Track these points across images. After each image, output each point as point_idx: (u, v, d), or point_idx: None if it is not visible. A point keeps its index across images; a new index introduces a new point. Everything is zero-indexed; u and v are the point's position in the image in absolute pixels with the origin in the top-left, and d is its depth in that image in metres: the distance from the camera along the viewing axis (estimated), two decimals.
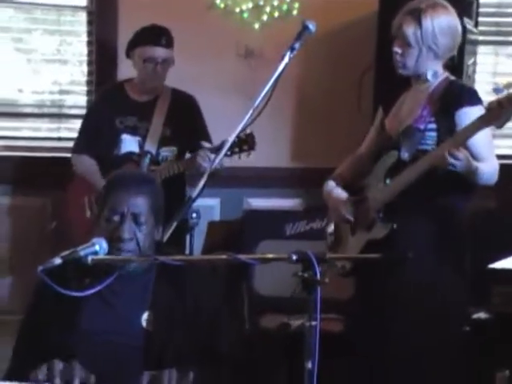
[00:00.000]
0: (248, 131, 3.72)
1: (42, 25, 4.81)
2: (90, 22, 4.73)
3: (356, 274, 3.14)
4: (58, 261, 2.23)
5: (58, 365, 2.26)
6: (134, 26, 4.13)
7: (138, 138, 4.09)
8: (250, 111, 3.05)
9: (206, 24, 4.63)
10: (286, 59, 3.02)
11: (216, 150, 3.76)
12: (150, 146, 4.08)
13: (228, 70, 4.68)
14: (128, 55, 4.13)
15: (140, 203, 2.49)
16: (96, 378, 2.24)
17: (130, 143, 4.09)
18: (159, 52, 4.00)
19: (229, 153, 3.72)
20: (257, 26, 4.65)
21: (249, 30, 4.66)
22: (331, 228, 3.23)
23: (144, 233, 2.49)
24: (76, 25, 4.80)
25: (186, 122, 4.13)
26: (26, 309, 2.58)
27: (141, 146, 4.09)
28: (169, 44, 4.02)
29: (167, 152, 4.10)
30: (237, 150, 3.74)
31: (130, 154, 4.09)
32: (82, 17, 4.76)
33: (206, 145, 3.91)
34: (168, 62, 4.03)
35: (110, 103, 4.16)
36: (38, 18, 4.79)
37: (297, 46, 3.02)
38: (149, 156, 4.04)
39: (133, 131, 4.09)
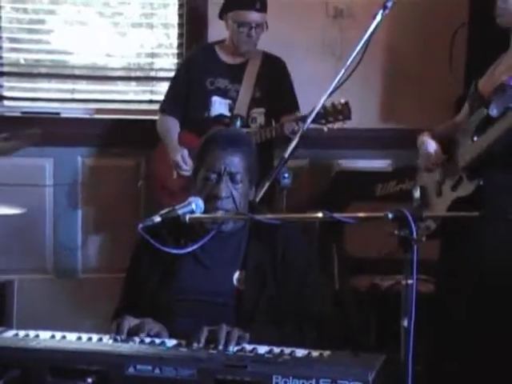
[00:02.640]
0: (343, 100, 3.71)
1: None
2: None
3: (440, 236, 3.11)
4: (157, 219, 2.27)
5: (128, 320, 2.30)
6: None
7: (228, 101, 4.12)
8: (341, 72, 3.03)
9: None
10: (378, 18, 2.99)
11: (306, 119, 3.77)
12: (241, 108, 4.11)
13: (317, 31, 4.65)
14: (221, 17, 4.14)
15: (236, 162, 2.51)
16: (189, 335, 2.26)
17: (220, 106, 4.12)
18: (254, 16, 4.00)
19: (323, 121, 3.73)
20: None
21: None
22: (417, 193, 3.19)
23: (240, 191, 2.51)
24: None
25: (275, 84, 4.15)
26: (128, 265, 2.64)
27: (231, 109, 4.11)
28: (263, 8, 4.02)
29: (256, 114, 4.12)
30: (331, 119, 3.74)
31: (221, 116, 4.12)
32: None
33: (297, 114, 3.93)
34: (261, 27, 4.04)
35: (200, 65, 4.18)
36: None
37: (389, 4, 2.99)
38: (239, 119, 4.08)
39: (223, 93, 4.12)
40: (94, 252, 4.69)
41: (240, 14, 4.01)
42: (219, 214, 2.46)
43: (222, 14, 4.12)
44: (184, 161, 4.03)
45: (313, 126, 3.26)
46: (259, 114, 4.13)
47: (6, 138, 3.69)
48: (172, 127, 4.17)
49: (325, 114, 3.74)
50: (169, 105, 4.23)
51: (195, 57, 4.28)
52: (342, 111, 3.75)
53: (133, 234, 2.47)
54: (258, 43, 4.13)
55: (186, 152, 4.03)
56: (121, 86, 4.92)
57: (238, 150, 2.53)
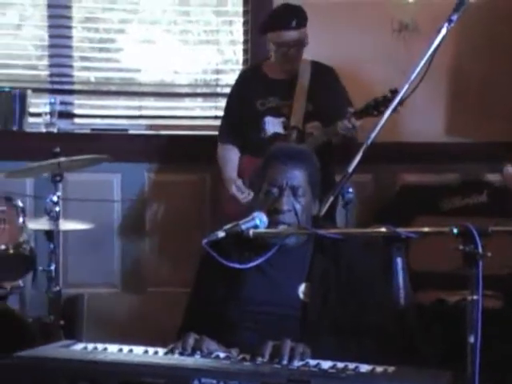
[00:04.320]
0: (393, 88, 3.64)
1: (197, 7, 4.93)
2: (246, 2, 4.79)
3: None
4: (221, 234, 2.31)
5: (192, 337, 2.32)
6: None
7: (281, 119, 4.09)
8: (406, 86, 3.03)
9: None
10: (443, 32, 2.98)
11: (359, 113, 3.75)
12: (295, 124, 4.07)
13: (382, 45, 4.65)
14: (262, 37, 4.14)
15: (298, 176, 2.52)
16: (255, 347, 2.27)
17: (274, 125, 4.09)
18: (291, 35, 3.95)
19: (375, 113, 3.68)
20: None
21: (403, 4, 4.62)
22: None
23: (302, 205, 2.52)
24: (231, 5, 4.88)
25: (327, 95, 4.07)
26: (193, 280, 2.67)
27: (285, 126, 4.08)
28: (300, 24, 3.96)
29: (311, 128, 4.07)
30: (383, 109, 3.67)
31: (276, 134, 4.09)
32: None
33: (350, 110, 3.84)
34: (301, 43, 3.99)
35: (249, 87, 4.18)
36: (192, 0, 4.91)
37: (454, 18, 2.98)
38: (295, 131, 4.04)
39: (276, 112, 4.09)
40: (160, 266, 4.73)
41: (277, 35, 3.97)
42: (282, 228, 2.47)
43: (262, 35, 4.11)
44: (240, 191, 4.06)
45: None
46: (315, 129, 4.06)
47: (76, 154, 3.78)
48: (229, 158, 4.18)
49: (376, 105, 3.69)
50: (225, 133, 4.24)
51: (243, 79, 4.28)
52: (392, 99, 3.67)
53: (198, 249, 2.49)
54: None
55: (240, 182, 4.06)
56: (187, 102, 4.99)
57: (299, 163, 2.54)
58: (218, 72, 4.93)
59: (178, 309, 2.74)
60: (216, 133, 4.36)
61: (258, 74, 4.18)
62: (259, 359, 2.17)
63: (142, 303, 4.63)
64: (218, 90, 4.90)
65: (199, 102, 5.02)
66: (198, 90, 4.98)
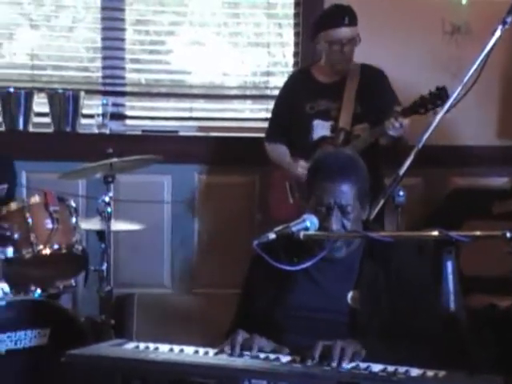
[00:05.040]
0: (440, 85, 3.61)
1: (247, 9, 4.95)
2: (297, 4, 4.80)
3: None
4: (271, 235, 2.30)
5: (240, 335, 2.33)
6: None
7: (330, 123, 4.08)
8: (458, 89, 3.00)
9: (413, 1, 4.60)
10: (498, 34, 2.94)
11: (406, 111, 3.73)
12: (343, 126, 4.05)
13: (433, 47, 4.61)
14: (312, 39, 4.12)
15: (346, 192, 2.48)
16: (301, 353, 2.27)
17: (322, 129, 4.09)
18: (344, 32, 3.96)
19: (423, 111, 3.65)
20: (464, 1, 4.55)
21: (455, 6, 4.58)
22: None
23: (351, 221, 2.49)
24: (281, 7, 4.89)
25: (376, 97, 4.05)
26: (243, 281, 2.68)
27: (333, 129, 4.07)
28: (352, 22, 3.97)
29: (359, 130, 4.05)
30: (430, 106, 3.64)
31: (324, 137, 4.08)
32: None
33: (397, 108, 3.83)
34: (354, 41, 3.99)
35: (298, 90, 4.18)
36: (242, 3, 4.93)
37: (509, 19, 2.94)
38: (343, 133, 4.03)
39: (325, 116, 4.09)
40: (210, 267, 4.76)
41: (330, 33, 3.97)
42: (331, 245, 2.43)
43: (313, 37, 4.09)
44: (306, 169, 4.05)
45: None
46: (362, 130, 4.04)
47: (127, 155, 3.82)
48: (284, 152, 4.19)
49: (422, 103, 3.66)
50: (274, 133, 4.25)
51: (292, 82, 4.28)
52: (439, 96, 3.63)
53: (247, 250, 2.50)
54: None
55: (303, 162, 3.98)
56: (236, 104, 5.01)
57: (347, 178, 2.49)
58: (267, 74, 4.94)
59: (227, 309, 2.76)
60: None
61: (308, 77, 4.19)
62: (309, 361, 2.18)
63: (191, 303, 4.66)
64: (268, 92, 4.91)
65: (248, 104, 5.04)
66: (248, 92, 5.00)
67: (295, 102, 4.16)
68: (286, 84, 4.33)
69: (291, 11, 4.83)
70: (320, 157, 2.67)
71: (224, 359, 2.22)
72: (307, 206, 2.54)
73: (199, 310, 4.56)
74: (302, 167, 3.97)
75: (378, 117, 3.92)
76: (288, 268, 2.39)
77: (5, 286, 3.25)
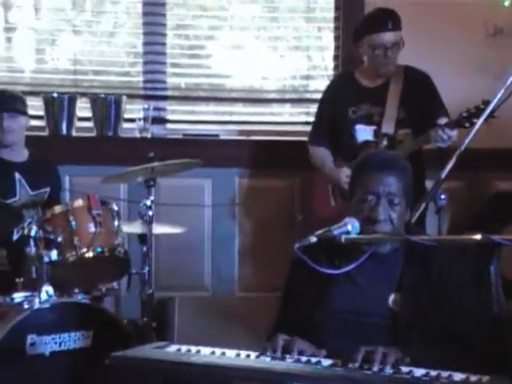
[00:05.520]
0: (486, 99, 3.58)
1: (286, 13, 4.96)
2: (337, 8, 4.81)
3: None
4: (313, 239, 2.32)
5: (281, 338, 2.34)
6: None
7: (373, 127, 4.06)
8: (501, 91, 2.98)
9: (455, 2, 4.57)
10: None
11: (453, 123, 3.70)
12: (386, 131, 4.03)
13: (475, 49, 4.59)
14: (356, 44, 4.11)
15: (394, 184, 2.49)
16: (344, 356, 2.27)
17: (364, 133, 4.07)
18: (388, 36, 3.94)
19: (468, 125, 3.62)
20: (507, 3, 4.50)
21: (498, 8, 4.53)
22: None
23: (397, 213, 2.49)
24: (319, 10, 4.89)
25: (420, 102, 4.02)
26: (284, 284, 2.68)
27: (376, 134, 4.05)
28: (395, 27, 3.95)
29: (402, 136, 4.02)
30: (475, 120, 3.61)
31: (367, 142, 4.06)
32: (330, 3, 4.84)
33: (442, 120, 3.80)
34: (397, 45, 3.97)
35: (341, 94, 4.16)
36: (282, 7, 4.95)
37: None
38: (386, 138, 4.01)
39: (367, 120, 4.07)
40: (250, 271, 4.78)
41: (374, 37, 3.95)
42: (374, 234, 2.45)
43: (357, 41, 4.08)
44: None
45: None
46: (405, 136, 4.00)
47: (168, 159, 3.85)
48: (327, 157, 4.17)
49: (469, 116, 3.62)
50: (317, 137, 4.23)
51: (336, 86, 4.27)
52: (484, 109, 3.59)
53: (288, 253, 2.51)
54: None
55: (346, 168, 3.94)
56: (276, 108, 5.03)
57: (394, 171, 2.51)
58: (306, 78, 4.95)
59: (268, 312, 2.76)
60: (305, 138, 4.36)
61: (351, 81, 4.17)
62: (350, 364, 2.18)
63: (232, 306, 4.67)
64: (307, 95, 4.91)
65: (288, 107, 5.04)
66: (287, 96, 5.01)
67: (338, 105, 4.15)
68: (330, 87, 4.32)
69: (331, 15, 4.84)
70: (365, 154, 2.70)
71: (266, 362, 2.23)
72: (350, 205, 2.55)
73: (240, 313, 4.57)
74: (344, 174, 3.93)
75: (422, 122, 3.91)
76: (330, 271, 2.40)
77: (49, 289, 3.29)
